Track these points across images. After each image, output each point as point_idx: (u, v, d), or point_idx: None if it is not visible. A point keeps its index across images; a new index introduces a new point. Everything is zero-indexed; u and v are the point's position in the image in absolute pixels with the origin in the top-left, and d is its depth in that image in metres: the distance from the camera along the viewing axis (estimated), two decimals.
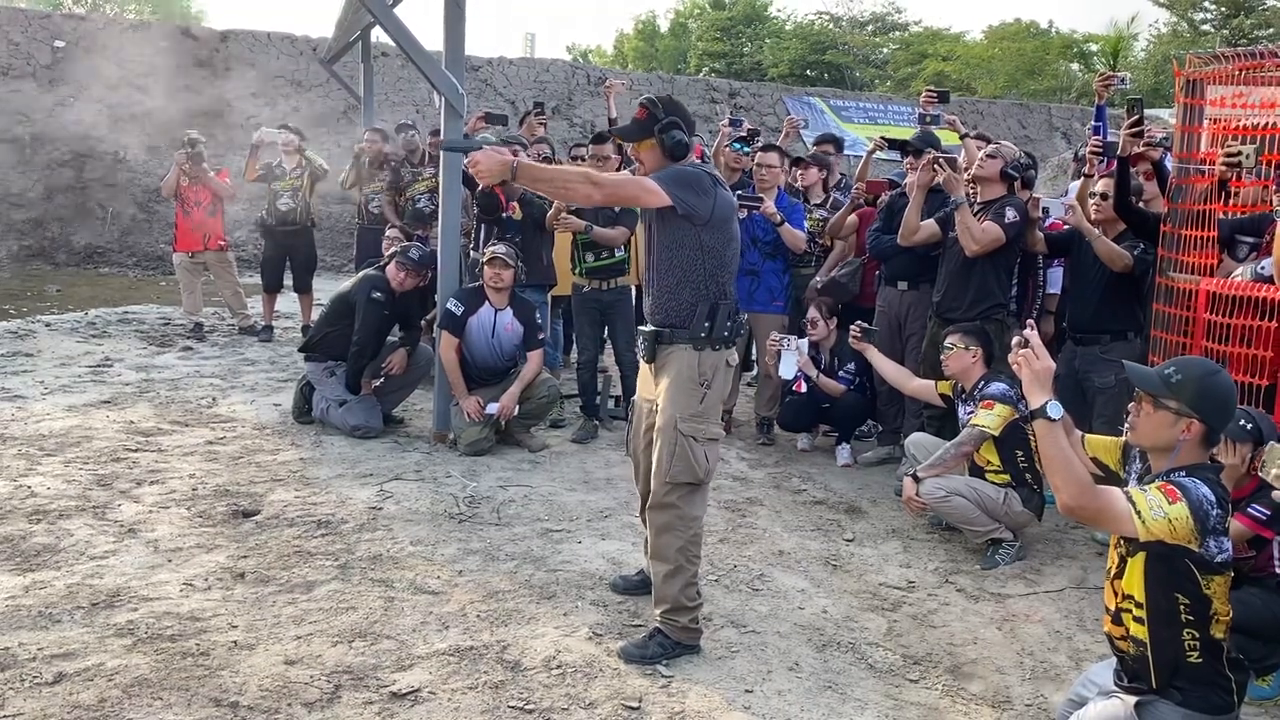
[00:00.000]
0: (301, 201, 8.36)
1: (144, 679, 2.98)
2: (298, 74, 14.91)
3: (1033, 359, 2.48)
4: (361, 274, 6.09)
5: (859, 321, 5.33)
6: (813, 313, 5.82)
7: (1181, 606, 2.44)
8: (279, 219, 8.33)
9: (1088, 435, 3.03)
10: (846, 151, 15.54)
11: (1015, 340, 2.54)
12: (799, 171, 6.65)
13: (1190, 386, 2.49)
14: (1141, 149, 4.78)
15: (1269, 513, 3.20)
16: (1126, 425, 2.66)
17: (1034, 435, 4.52)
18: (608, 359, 6.57)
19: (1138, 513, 2.35)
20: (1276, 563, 3.29)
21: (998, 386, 4.50)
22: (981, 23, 70.85)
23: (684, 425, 3.27)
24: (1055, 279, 5.64)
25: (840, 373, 5.78)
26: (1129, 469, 2.85)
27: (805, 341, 5.65)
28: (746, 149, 6.21)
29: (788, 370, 5.59)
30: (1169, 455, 2.53)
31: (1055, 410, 2.43)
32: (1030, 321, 2.60)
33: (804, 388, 5.72)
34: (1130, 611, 2.53)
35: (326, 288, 7.90)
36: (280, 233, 8.39)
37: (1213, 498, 2.40)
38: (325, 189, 13.16)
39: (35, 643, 3.15)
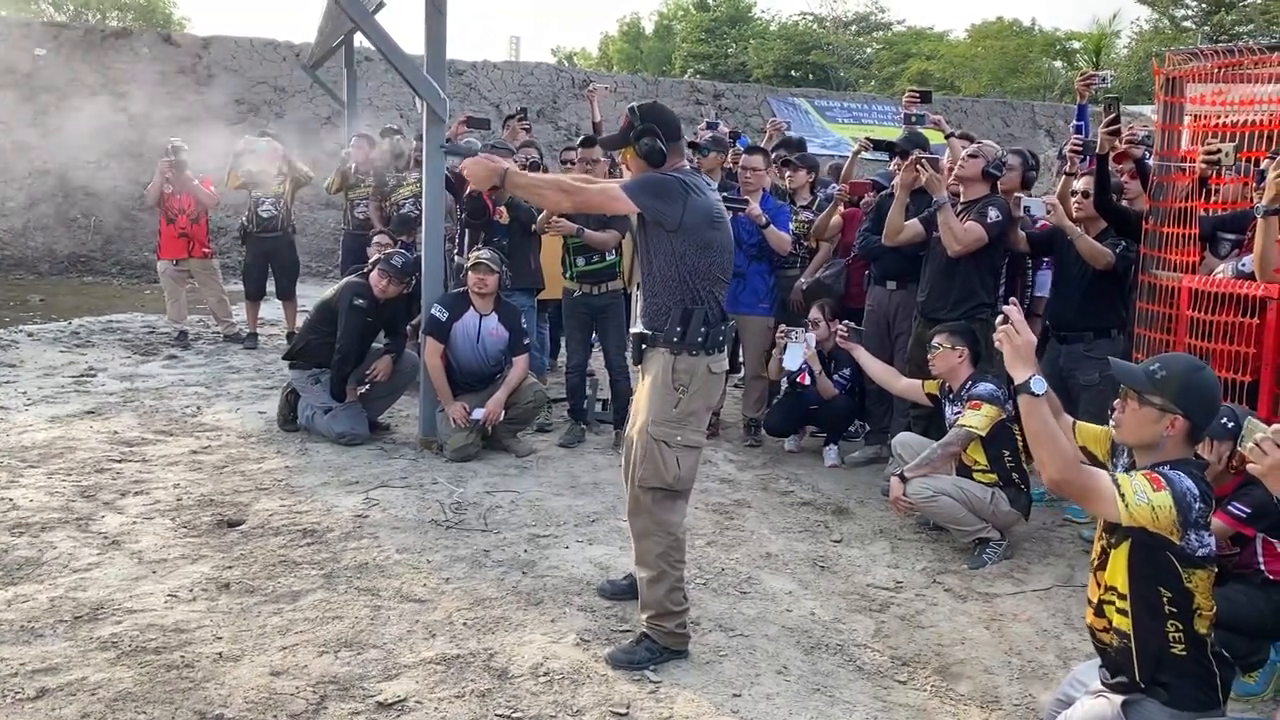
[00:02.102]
0: (283, 208, 8.34)
1: (128, 692, 2.95)
2: (280, 80, 14.84)
3: (1013, 334, 2.47)
4: (345, 281, 6.06)
5: (846, 321, 5.34)
6: (815, 313, 5.81)
7: (1164, 599, 2.45)
8: (261, 226, 8.30)
9: (1079, 423, 3.03)
10: (831, 151, 15.61)
11: (999, 319, 2.53)
12: (788, 173, 6.64)
13: (1174, 382, 2.49)
14: (1122, 147, 4.80)
15: (1249, 511, 3.23)
16: (1111, 422, 2.67)
17: (1019, 431, 4.58)
18: (595, 363, 6.55)
19: (1122, 496, 2.36)
20: (1260, 559, 3.31)
21: (985, 387, 4.51)
22: (964, 21, 71.19)
23: (655, 429, 3.27)
24: (1044, 282, 5.63)
25: (835, 376, 5.79)
26: (1116, 462, 2.86)
27: (812, 335, 5.65)
28: (703, 151, 6.13)
29: (793, 361, 5.61)
30: (1153, 451, 2.53)
31: (1039, 385, 2.43)
32: (1013, 299, 2.58)
33: (807, 379, 5.74)
34: (1113, 603, 2.54)
35: (312, 294, 7.86)
36: (263, 240, 8.35)
37: (1196, 491, 2.40)
38: (310, 195, 13.17)
39: (17, 658, 3.12)
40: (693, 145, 6.07)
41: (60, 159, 13.35)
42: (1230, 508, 3.25)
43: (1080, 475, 2.39)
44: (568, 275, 6.03)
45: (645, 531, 3.34)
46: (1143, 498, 2.36)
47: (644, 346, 3.38)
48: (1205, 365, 2.66)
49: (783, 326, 5.74)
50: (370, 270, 5.92)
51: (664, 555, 3.33)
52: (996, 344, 2.54)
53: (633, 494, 3.36)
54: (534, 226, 5.99)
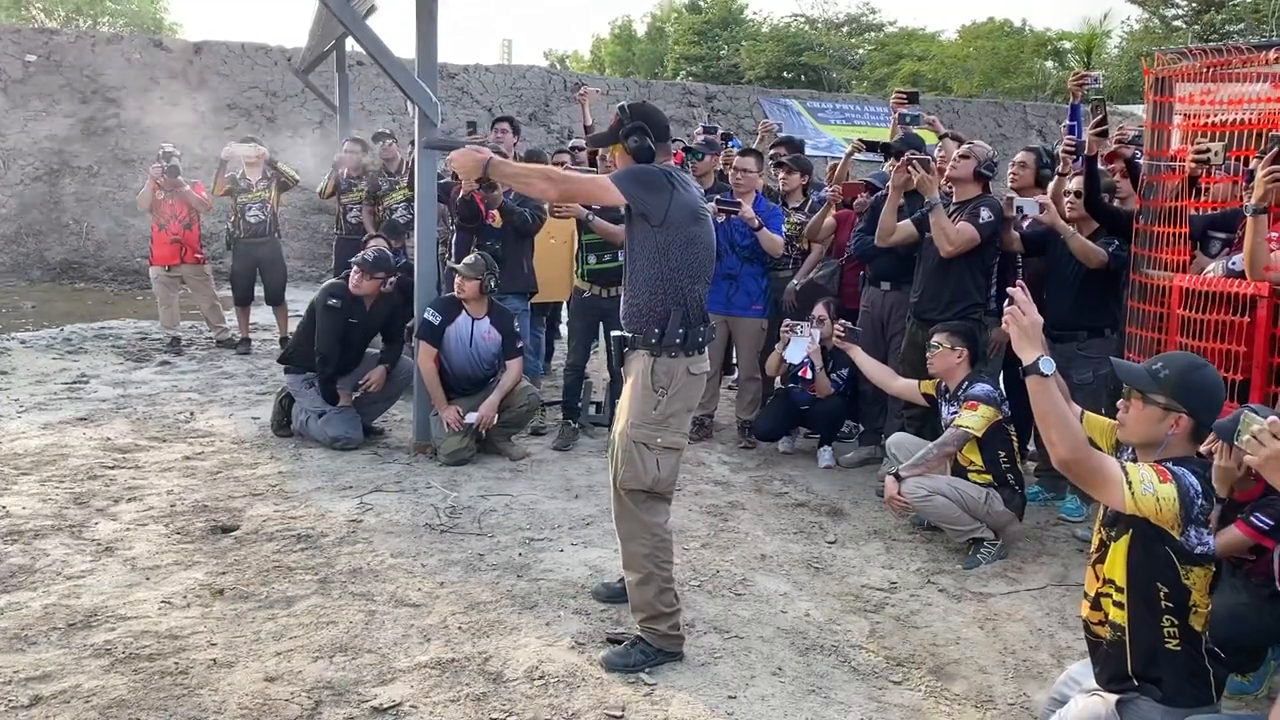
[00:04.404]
0: (270, 213, 8.33)
1: (122, 699, 2.95)
2: (272, 85, 14.84)
3: (1019, 315, 2.45)
4: (326, 283, 6.07)
5: (842, 321, 5.34)
6: (819, 309, 5.81)
7: (1161, 594, 2.46)
8: (250, 231, 8.28)
9: (1086, 413, 3.04)
10: (824, 153, 15.64)
11: (1005, 302, 2.52)
12: (781, 175, 6.65)
13: (1178, 381, 2.50)
14: (1114, 146, 4.82)
15: (1272, 524, 3.13)
16: (1116, 422, 2.67)
17: (1015, 433, 4.59)
18: (590, 365, 6.54)
19: (1129, 483, 2.37)
20: (1276, 572, 3.18)
21: (982, 388, 4.51)
22: (956, 22, 71.16)
23: (635, 431, 3.26)
24: None
25: (833, 375, 5.80)
26: (1120, 455, 2.86)
27: (817, 331, 5.66)
28: (698, 156, 6.13)
29: (796, 355, 5.63)
30: (1157, 450, 2.54)
31: (1048, 366, 2.41)
32: (1019, 283, 2.56)
33: (809, 374, 5.76)
34: (1110, 596, 2.55)
35: (306, 298, 7.84)
36: (251, 245, 8.33)
37: (1199, 488, 2.42)
38: (302, 199, 13.17)
39: (11, 665, 3.11)
40: (688, 150, 6.07)
41: (52, 165, 13.33)
42: (1253, 519, 3.16)
43: (1090, 457, 2.39)
44: (579, 273, 6.02)
45: (630, 534, 3.34)
46: (1149, 488, 2.37)
47: (625, 349, 3.39)
48: (1207, 363, 2.66)
49: (787, 321, 5.76)
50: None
51: (650, 556, 3.32)
52: (1004, 326, 2.53)
53: (614, 496, 3.36)
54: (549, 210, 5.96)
